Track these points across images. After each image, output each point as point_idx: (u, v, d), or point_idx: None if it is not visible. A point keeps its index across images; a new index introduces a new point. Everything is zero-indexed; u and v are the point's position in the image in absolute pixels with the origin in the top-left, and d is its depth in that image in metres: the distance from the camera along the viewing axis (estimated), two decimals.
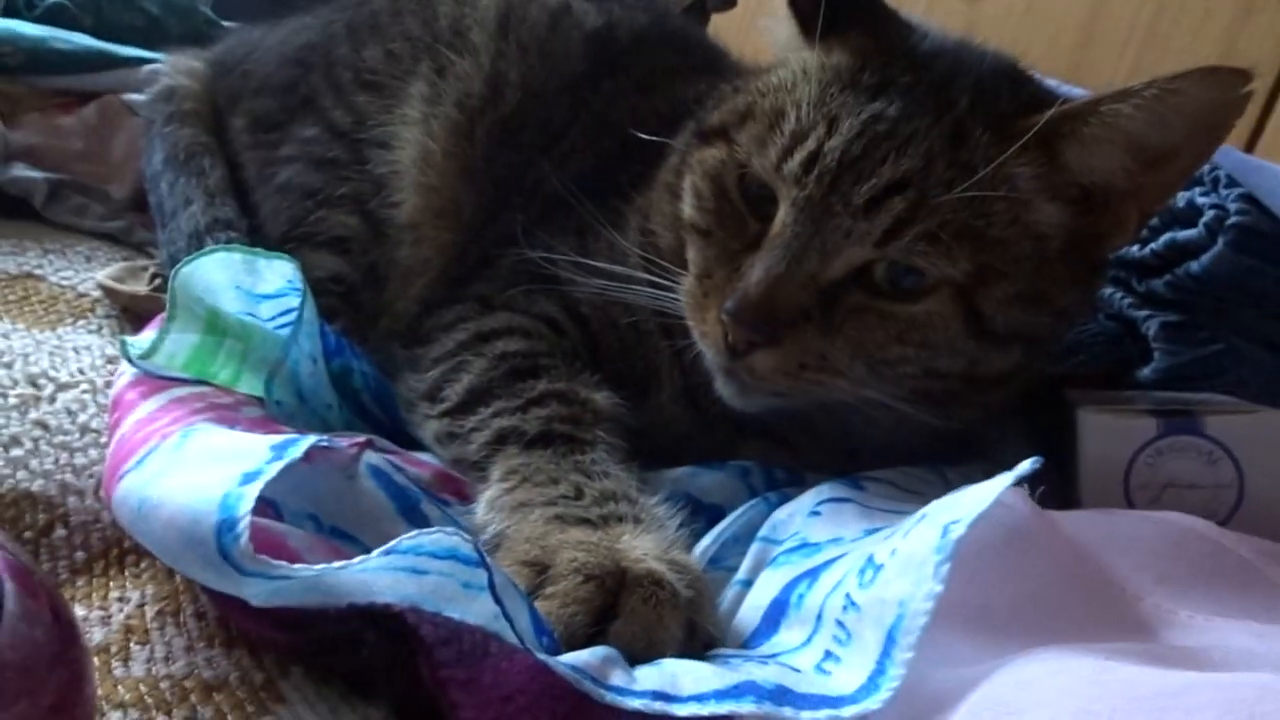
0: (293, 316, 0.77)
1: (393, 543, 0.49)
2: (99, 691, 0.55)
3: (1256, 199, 0.90)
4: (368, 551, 0.60)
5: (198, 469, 0.55)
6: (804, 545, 0.62)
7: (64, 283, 0.96)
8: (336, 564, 0.49)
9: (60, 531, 0.67)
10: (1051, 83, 0.88)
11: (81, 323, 0.90)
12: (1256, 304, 0.93)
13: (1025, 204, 0.72)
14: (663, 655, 0.54)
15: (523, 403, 0.75)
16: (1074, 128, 0.72)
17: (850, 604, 0.51)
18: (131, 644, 0.59)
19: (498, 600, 0.48)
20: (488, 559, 0.49)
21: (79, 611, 0.61)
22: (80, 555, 0.66)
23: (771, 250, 0.71)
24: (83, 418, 0.75)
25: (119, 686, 0.56)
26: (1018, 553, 0.55)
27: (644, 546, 0.59)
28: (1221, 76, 0.67)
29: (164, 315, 0.72)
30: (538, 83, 1.00)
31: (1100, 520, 0.62)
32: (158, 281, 1.01)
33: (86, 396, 0.77)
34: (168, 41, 1.35)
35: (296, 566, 0.48)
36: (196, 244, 0.98)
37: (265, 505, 0.61)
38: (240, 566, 0.48)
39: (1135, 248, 0.98)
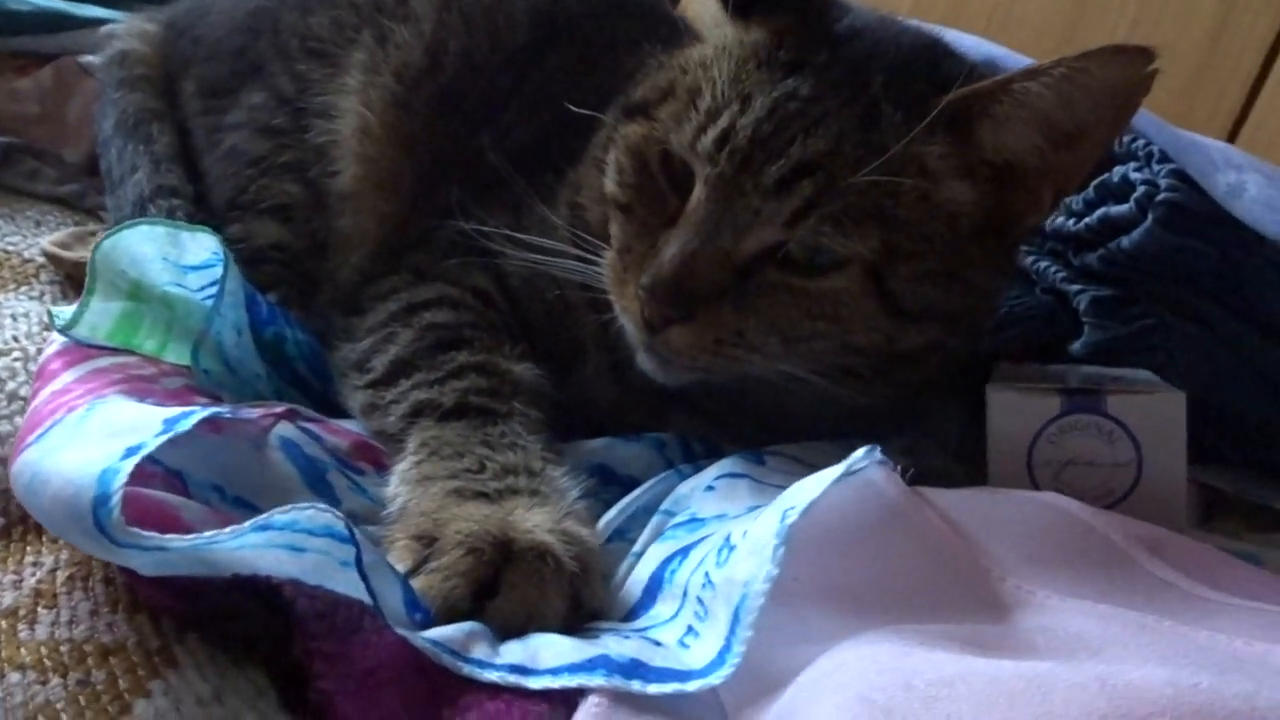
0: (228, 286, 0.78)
1: (266, 515, 0.51)
2: (2, 654, 0.58)
3: (1188, 176, 0.90)
4: None
5: (90, 443, 0.56)
6: (691, 520, 0.64)
7: (9, 248, 0.98)
8: (208, 534, 0.50)
9: None
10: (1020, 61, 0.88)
11: (24, 289, 0.92)
12: (1187, 280, 0.93)
13: (936, 183, 0.73)
14: (542, 629, 0.56)
15: (442, 374, 0.77)
16: (985, 106, 0.72)
17: (708, 582, 0.53)
18: (39, 608, 0.61)
19: (364, 577, 0.50)
20: (357, 536, 0.51)
21: None
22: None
23: (686, 227, 0.72)
24: (11, 385, 0.77)
25: (21, 649, 0.58)
26: (884, 533, 0.57)
27: (536, 519, 0.61)
28: (1127, 56, 0.68)
29: (85, 287, 0.74)
30: (479, 54, 1.01)
31: (981, 500, 0.63)
32: None
33: (18, 364, 0.79)
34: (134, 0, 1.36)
35: (169, 538, 0.50)
36: (140, 211, 1.00)
37: (171, 476, 0.64)
38: (115, 539, 0.50)
39: (1070, 221, 0.99)
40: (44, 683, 0.56)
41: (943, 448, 0.91)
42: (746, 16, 0.79)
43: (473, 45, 1.00)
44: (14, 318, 0.86)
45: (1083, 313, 0.95)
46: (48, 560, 0.65)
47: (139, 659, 0.57)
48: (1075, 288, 0.96)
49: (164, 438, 0.56)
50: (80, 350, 0.75)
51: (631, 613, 0.60)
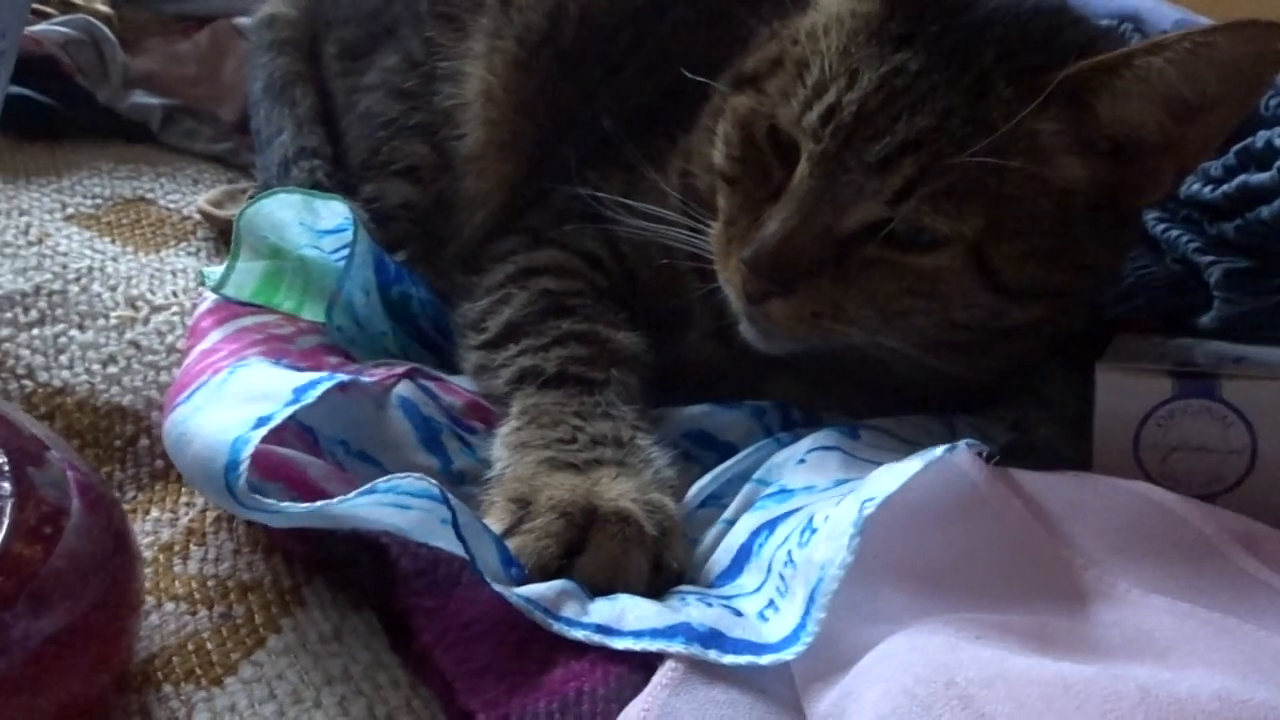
0: (358, 249, 0.84)
1: (372, 483, 0.56)
2: (160, 584, 0.66)
3: None
4: (388, 474, 0.69)
5: (229, 407, 0.63)
6: (781, 491, 0.66)
7: (171, 205, 1.06)
8: (319, 503, 0.56)
9: (144, 442, 0.77)
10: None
11: (183, 245, 1.00)
12: None
13: (1046, 161, 0.71)
14: (627, 589, 0.60)
15: (547, 341, 0.81)
16: (1105, 80, 0.70)
17: (790, 560, 0.56)
18: (191, 544, 0.69)
19: (460, 537, 0.54)
20: (451, 500, 0.55)
21: (153, 514, 0.72)
22: (159, 464, 0.76)
23: (789, 202, 0.72)
24: (170, 338, 0.85)
25: (176, 581, 0.66)
26: (965, 517, 0.58)
27: (620, 488, 0.64)
28: (1257, 30, 0.65)
29: (230, 251, 0.80)
30: (600, 13, 1.02)
31: (1070, 485, 0.63)
32: None
33: (176, 319, 0.87)
34: None
35: (286, 505, 0.56)
36: (284, 171, 1.07)
37: (304, 430, 0.70)
38: (242, 502, 0.57)
39: (1207, 188, 0.94)
40: (193, 613, 0.63)
41: (1058, 419, 0.90)
42: None
43: (592, 5, 1.02)
44: (174, 274, 0.94)
45: (1214, 285, 0.90)
46: (199, 501, 0.73)
47: (273, 597, 0.64)
48: (1208, 259, 0.92)
49: (292, 409, 0.61)
50: (229, 308, 0.83)
51: (719, 579, 0.63)
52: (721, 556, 0.65)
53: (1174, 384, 0.73)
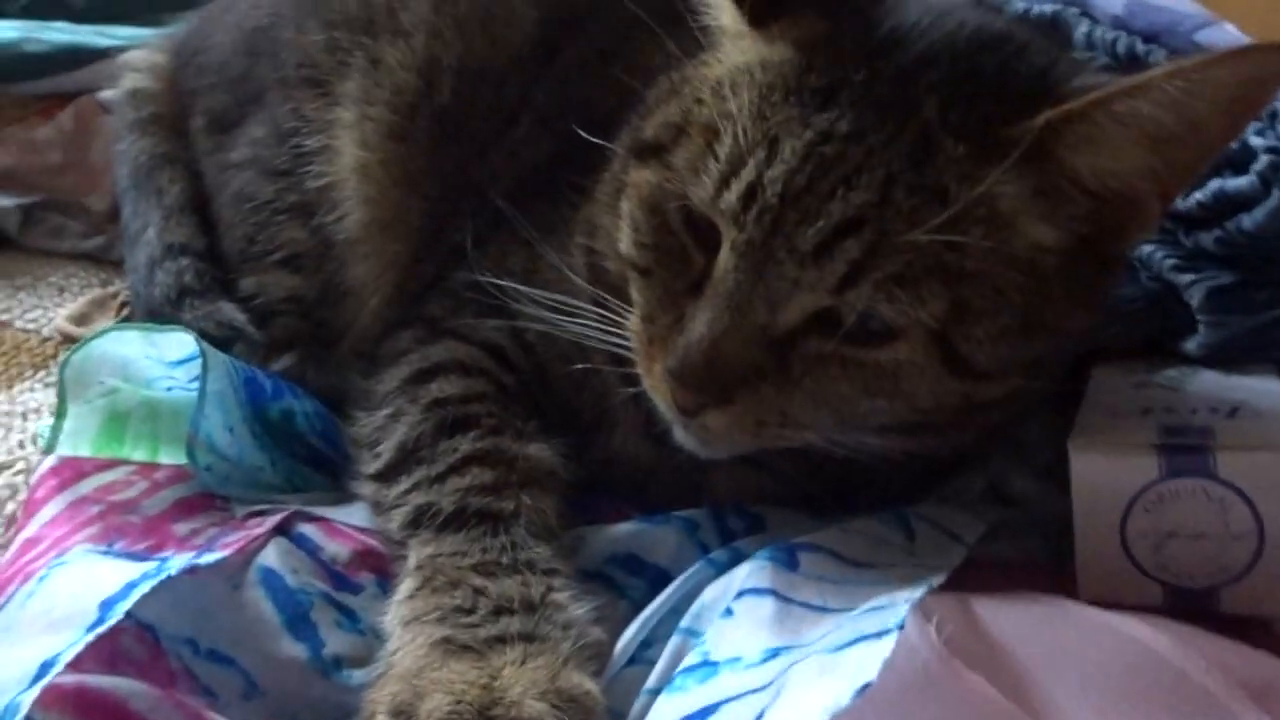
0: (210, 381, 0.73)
1: None
2: None
3: None
4: (247, 676, 0.58)
5: (18, 642, 0.53)
6: (705, 664, 0.56)
7: (29, 327, 0.95)
8: None
9: None
10: None
11: (41, 374, 0.90)
12: None
13: (1012, 227, 0.60)
14: None
15: (443, 470, 0.70)
16: (1078, 130, 0.59)
17: None
18: None
19: None
20: None
21: None
22: None
23: (713, 301, 0.61)
24: (11, 506, 0.74)
25: None
26: (920, 701, 0.47)
27: (527, 679, 0.54)
28: (1259, 55, 0.56)
29: (56, 407, 0.70)
30: (479, 62, 0.90)
31: (1046, 629, 0.53)
32: (126, 311, 0.99)
33: (19, 480, 0.76)
34: (168, 8, 1.30)
35: None
36: (150, 275, 0.96)
37: (142, 629, 0.59)
38: None
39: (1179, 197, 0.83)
40: None
41: (1034, 471, 0.80)
42: (768, 25, 0.66)
43: (470, 55, 0.90)
44: (24, 416, 0.83)
45: (1197, 308, 0.80)
46: None
47: None
48: (1187, 277, 0.81)
49: (89, 636, 0.51)
50: (74, 464, 0.72)
51: None
52: None
53: (1160, 461, 0.63)
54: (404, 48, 0.90)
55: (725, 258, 0.61)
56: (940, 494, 0.77)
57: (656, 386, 0.65)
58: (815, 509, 0.74)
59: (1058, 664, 0.50)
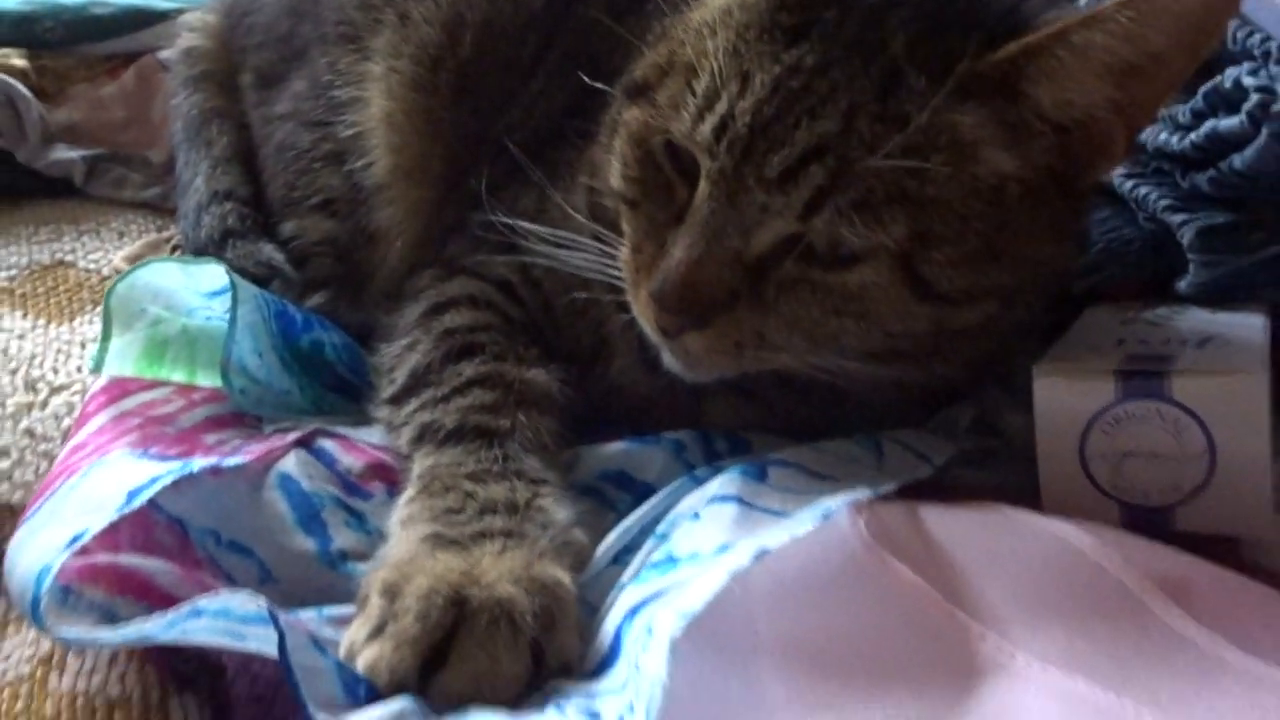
0: (240, 311, 0.79)
1: (195, 603, 0.52)
2: (30, 706, 0.63)
3: None
4: (263, 565, 0.65)
5: (60, 523, 0.59)
6: (668, 559, 0.60)
7: (91, 267, 1.03)
8: (135, 626, 0.52)
9: None
10: None
11: (99, 309, 0.97)
12: None
13: (973, 156, 0.63)
14: (502, 696, 0.54)
15: (448, 391, 0.76)
16: (1038, 63, 0.62)
17: (637, 664, 0.50)
18: (69, 656, 0.66)
19: (288, 666, 0.50)
20: (280, 622, 0.51)
21: None
22: None
23: (691, 228, 0.66)
24: (67, 422, 0.81)
25: (48, 700, 0.63)
26: (848, 589, 0.52)
27: (503, 568, 0.59)
28: None
29: (101, 330, 0.77)
30: (501, 20, 0.95)
31: (989, 528, 0.56)
32: (177, 253, 1.06)
33: (76, 399, 0.84)
34: None
35: (99, 632, 0.53)
36: (197, 219, 1.03)
37: (172, 523, 0.66)
38: (55, 635, 0.53)
39: (1175, 137, 0.84)
40: None
41: (1026, 406, 0.82)
42: None
43: (492, 11, 0.95)
44: (83, 345, 0.91)
45: (1188, 247, 0.81)
46: None
47: (138, 714, 0.60)
48: (1180, 216, 0.83)
49: (111, 517, 0.58)
50: (120, 384, 0.79)
51: (599, 668, 0.58)
52: (604, 638, 0.59)
53: (1117, 385, 0.66)
54: (430, 4, 0.95)
55: (702, 187, 0.66)
56: (930, 424, 0.80)
57: (642, 311, 0.70)
58: (805, 439, 0.77)
59: (991, 562, 0.54)
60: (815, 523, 0.53)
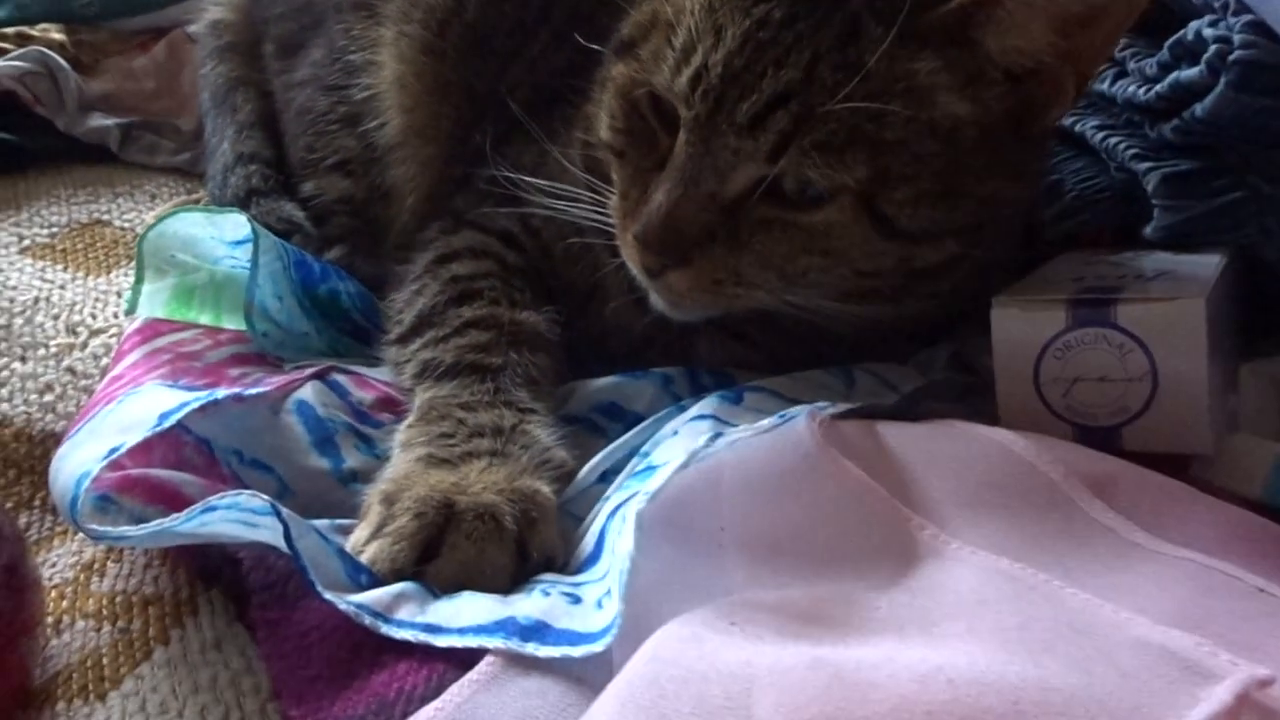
0: (261, 259, 0.86)
1: (208, 502, 0.58)
2: (75, 604, 0.70)
3: (1268, 27, 0.78)
4: (281, 481, 0.71)
5: (98, 439, 0.66)
6: (648, 469, 0.66)
7: (126, 225, 1.10)
8: (155, 523, 0.59)
9: None
10: None
11: (133, 263, 1.04)
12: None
13: (928, 101, 0.68)
14: (487, 586, 0.60)
15: (448, 331, 0.81)
16: (987, 12, 0.67)
17: (612, 550, 0.56)
18: (109, 561, 0.73)
19: (293, 550, 0.56)
20: (284, 514, 0.57)
21: (79, 535, 0.76)
22: None
23: (671, 173, 0.71)
24: (104, 361, 0.89)
25: (90, 599, 0.70)
26: (802, 482, 0.57)
27: (488, 480, 0.65)
28: None
29: (134, 274, 0.83)
30: None
31: (934, 436, 0.61)
32: None
33: (113, 341, 0.91)
34: None
35: (125, 530, 0.59)
36: (224, 180, 1.10)
37: (200, 442, 0.73)
38: (89, 533, 0.60)
39: (1142, 90, 0.88)
40: (98, 630, 0.67)
41: None
42: None
43: None
44: (119, 294, 0.98)
45: (1152, 193, 0.85)
46: None
47: (170, 609, 0.67)
48: (1146, 164, 0.87)
49: (144, 435, 0.64)
50: (153, 326, 0.86)
51: (584, 564, 0.64)
52: (588, 541, 0.65)
53: (1068, 314, 0.70)
54: None
55: (681, 134, 0.71)
56: (911, 362, 0.85)
57: (629, 252, 0.75)
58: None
59: (935, 464, 0.59)
60: (773, 422, 0.58)
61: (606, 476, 0.73)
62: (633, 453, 0.74)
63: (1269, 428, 0.78)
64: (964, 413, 0.76)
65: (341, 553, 0.60)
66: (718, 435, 0.57)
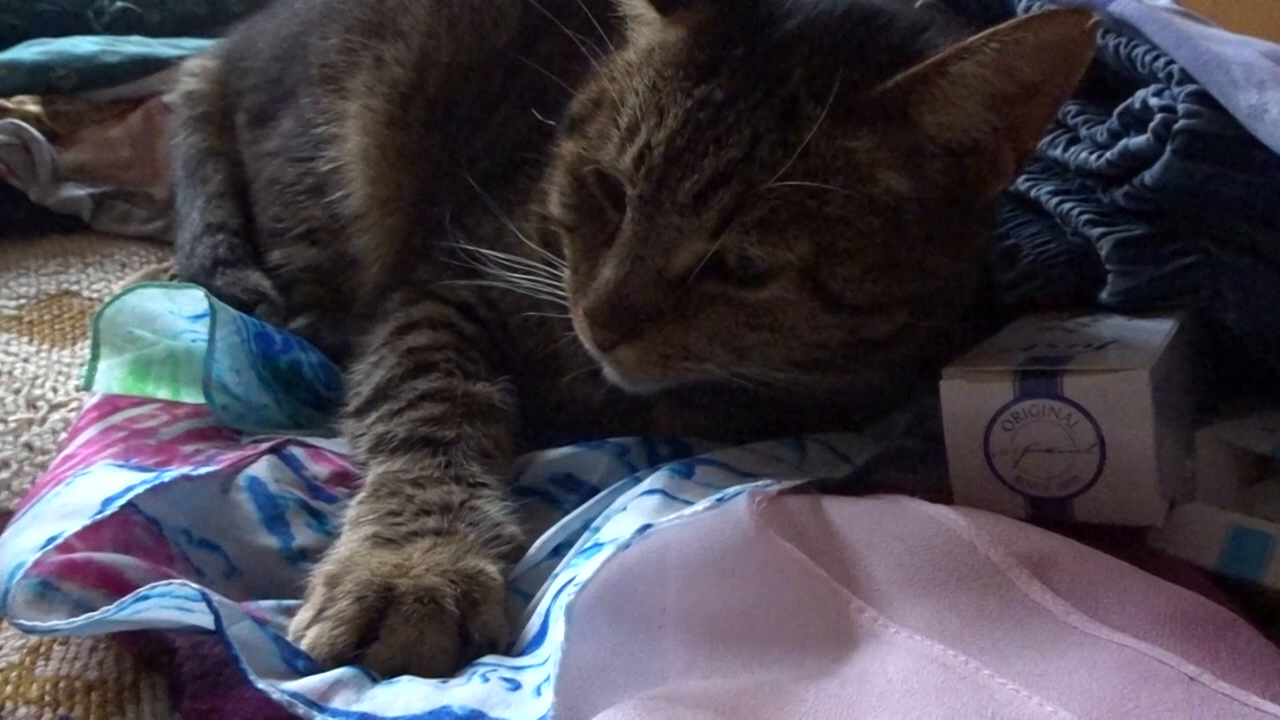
0: (219, 333, 0.86)
1: (141, 591, 0.58)
2: (19, 690, 0.69)
3: (1211, 97, 0.79)
4: (228, 560, 0.71)
5: (40, 525, 0.65)
6: (595, 546, 0.66)
7: (95, 295, 1.11)
8: (86, 616, 0.58)
9: None
10: None
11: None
12: (1229, 208, 0.83)
13: (868, 178, 0.69)
14: (429, 670, 0.60)
15: (402, 405, 0.81)
16: (922, 92, 0.68)
17: (552, 634, 0.55)
18: (55, 644, 0.71)
19: (225, 639, 0.56)
20: (214, 601, 0.57)
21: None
22: None
23: (618, 249, 0.72)
24: (63, 436, 0.88)
25: (34, 684, 0.69)
26: (743, 567, 0.57)
27: (431, 561, 0.65)
28: (1062, 17, 0.65)
29: (90, 351, 0.83)
30: (467, 57, 1.02)
31: (879, 513, 0.61)
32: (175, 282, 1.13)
33: (72, 415, 0.91)
34: (231, 21, 1.46)
35: (55, 623, 0.59)
36: (191, 250, 1.10)
37: (149, 522, 0.72)
38: (20, 627, 0.60)
39: (1093, 157, 0.89)
40: (39, 717, 0.66)
41: None
42: (672, 13, 0.76)
43: (460, 51, 1.02)
44: (82, 366, 0.98)
45: (1105, 259, 0.86)
46: None
47: (112, 695, 0.66)
48: (1098, 230, 0.88)
49: (85, 522, 0.64)
50: (111, 401, 0.86)
51: (529, 645, 0.63)
52: (535, 620, 0.64)
53: (1015, 385, 0.70)
54: (402, 47, 1.03)
55: (627, 212, 0.72)
56: (870, 430, 0.85)
57: (580, 326, 0.76)
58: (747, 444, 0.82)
59: (878, 543, 0.58)
60: (708, 505, 0.58)
61: (560, 550, 0.72)
62: (586, 525, 0.74)
63: (1225, 493, 0.78)
64: (916, 483, 0.77)
65: (277, 638, 0.59)
66: (646, 527, 0.57)
